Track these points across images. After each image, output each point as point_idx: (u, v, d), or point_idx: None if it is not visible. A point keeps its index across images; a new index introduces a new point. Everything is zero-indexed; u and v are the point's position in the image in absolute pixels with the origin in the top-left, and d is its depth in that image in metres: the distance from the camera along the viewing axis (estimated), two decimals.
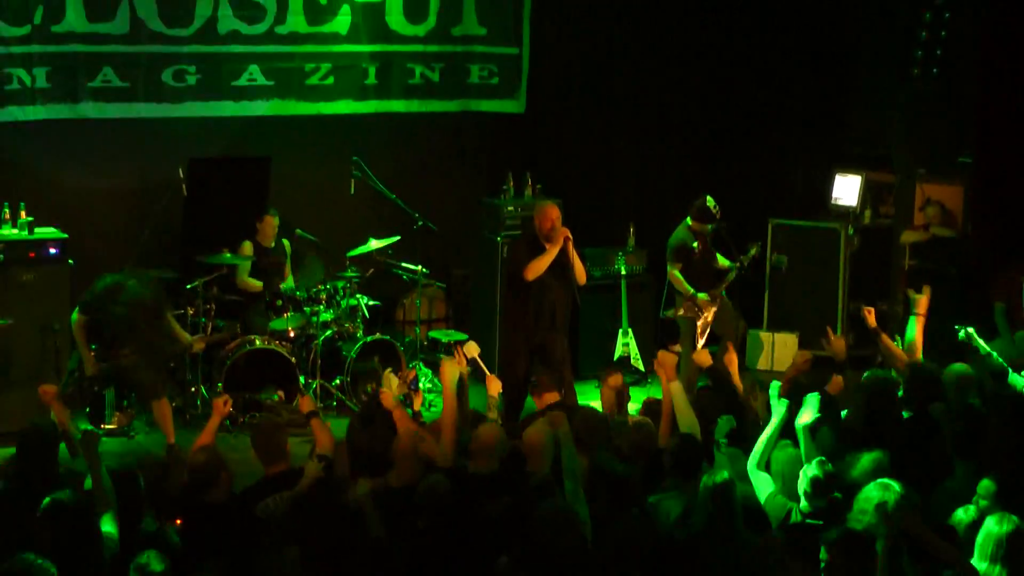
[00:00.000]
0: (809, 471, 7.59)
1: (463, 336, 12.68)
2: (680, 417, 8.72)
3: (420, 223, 12.96)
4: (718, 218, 12.39)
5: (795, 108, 14.37)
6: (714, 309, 12.20)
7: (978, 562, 6.84)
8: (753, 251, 12.70)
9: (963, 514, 7.19)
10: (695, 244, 12.37)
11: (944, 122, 13.79)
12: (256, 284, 12.36)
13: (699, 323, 12.26)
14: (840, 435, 8.45)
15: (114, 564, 6.85)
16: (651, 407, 9.64)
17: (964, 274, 13.00)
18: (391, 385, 9.02)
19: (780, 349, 13.50)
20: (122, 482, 7.36)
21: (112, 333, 10.86)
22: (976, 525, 7.00)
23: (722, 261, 12.51)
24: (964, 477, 7.96)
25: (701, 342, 12.24)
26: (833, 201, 14.11)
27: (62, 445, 8.16)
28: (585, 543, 6.76)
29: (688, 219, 12.32)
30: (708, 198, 12.31)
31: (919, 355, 9.94)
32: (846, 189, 14.07)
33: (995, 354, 10.07)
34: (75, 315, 10.83)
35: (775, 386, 8.56)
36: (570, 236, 11.16)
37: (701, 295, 12.22)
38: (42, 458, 7.70)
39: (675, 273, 12.34)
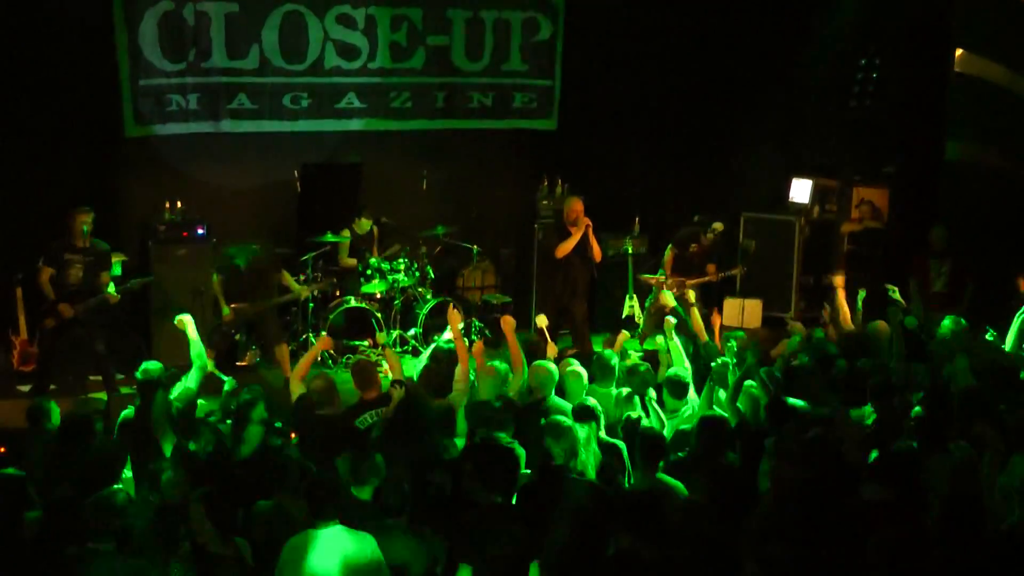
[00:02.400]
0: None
1: (508, 299, 12.89)
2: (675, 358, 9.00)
3: (474, 215, 13.18)
4: (700, 241, 12.26)
5: (764, 129, 14.22)
6: (671, 293, 11.57)
7: None
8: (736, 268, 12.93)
9: None
10: (692, 246, 12.33)
11: (874, 141, 13.84)
12: (351, 261, 12.53)
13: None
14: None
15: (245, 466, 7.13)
16: (648, 354, 9.89)
17: (888, 257, 13.05)
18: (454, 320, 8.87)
19: (748, 311, 13.51)
20: (248, 407, 7.60)
21: (240, 286, 11.14)
22: None
23: (711, 270, 12.36)
24: None
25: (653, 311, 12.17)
26: (790, 199, 14.13)
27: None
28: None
29: (702, 230, 12.29)
30: (716, 224, 12.24)
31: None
32: (800, 191, 14.10)
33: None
34: (214, 276, 11.18)
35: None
36: (590, 224, 11.36)
37: (666, 280, 12.15)
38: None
39: (667, 252, 12.39)
